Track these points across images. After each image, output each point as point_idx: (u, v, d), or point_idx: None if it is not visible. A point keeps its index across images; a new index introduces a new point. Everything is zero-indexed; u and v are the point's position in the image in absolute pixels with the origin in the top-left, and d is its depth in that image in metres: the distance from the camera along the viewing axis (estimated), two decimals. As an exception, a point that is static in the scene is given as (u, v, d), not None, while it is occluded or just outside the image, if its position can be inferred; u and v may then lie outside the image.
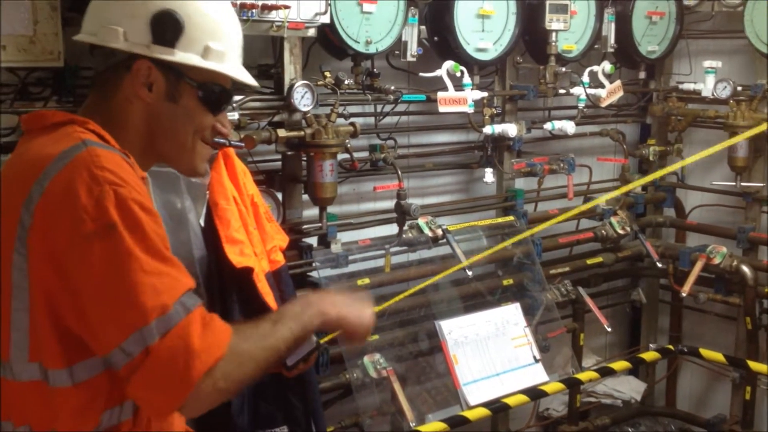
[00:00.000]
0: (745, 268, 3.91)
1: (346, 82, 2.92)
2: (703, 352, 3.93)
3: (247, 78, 1.68)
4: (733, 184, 4.02)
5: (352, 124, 2.95)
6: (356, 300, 1.70)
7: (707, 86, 3.96)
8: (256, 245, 2.45)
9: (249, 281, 2.39)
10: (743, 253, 4.06)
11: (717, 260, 3.93)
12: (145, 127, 1.58)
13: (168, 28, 1.54)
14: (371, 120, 3.25)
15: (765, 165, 4.06)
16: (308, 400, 2.63)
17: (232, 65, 1.63)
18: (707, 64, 3.97)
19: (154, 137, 1.60)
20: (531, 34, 3.57)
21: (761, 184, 4.02)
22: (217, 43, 1.58)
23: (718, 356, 3.88)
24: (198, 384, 1.38)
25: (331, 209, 3.06)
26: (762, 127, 2.39)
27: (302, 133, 2.80)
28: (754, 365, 3.82)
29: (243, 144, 2.41)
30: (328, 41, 2.97)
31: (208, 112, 1.61)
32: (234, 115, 2.55)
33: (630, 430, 4.17)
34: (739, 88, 3.92)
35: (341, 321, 1.65)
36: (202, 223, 2.35)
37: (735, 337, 4.16)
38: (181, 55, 1.55)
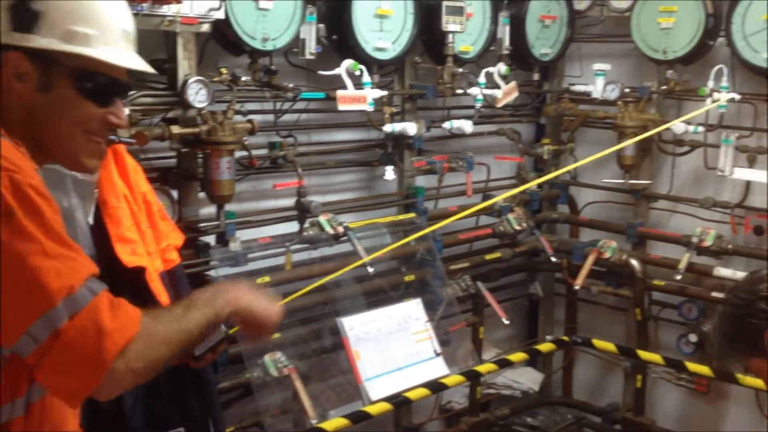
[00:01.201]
0: (634, 262, 4.09)
1: (243, 78, 2.90)
2: (596, 342, 4.09)
3: (130, 62, 1.59)
4: (622, 181, 4.20)
5: (250, 121, 2.94)
6: (263, 294, 1.70)
7: (597, 88, 4.12)
8: (148, 244, 2.40)
9: (142, 281, 2.34)
10: (632, 247, 4.26)
11: (608, 254, 4.10)
12: (26, 120, 1.52)
13: (23, 12, 1.48)
14: (270, 117, 3.24)
15: (651, 163, 4.26)
16: (206, 400, 2.59)
17: (106, 50, 1.54)
18: (597, 66, 4.13)
19: (35, 131, 1.54)
20: (429, 35, 3.63)
21: (648, 182, 4.22)
22: (83, 27, 1.51)
23: (610, 346, 4.05)
24: (112, 365, 1.37)
25: (229, 207, 3.03)
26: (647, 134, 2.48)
27: (197, 129, 2.77)
28: (643, 354, 4.01)
29: (134, 140, 2.37)
30: (223, 37, 2.95)
31: (89, 102, 1.55)
32: (124, 111, 2.49)
33: (528, 419, 4.30)
34: (627, 90, 4.10)
35: (250, 313, 1.64)
36: (91, 222, 2.29)
37: (626, 328, 4.35)
38: (40, 41, 1.49)
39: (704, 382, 4.18)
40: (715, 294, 3.93)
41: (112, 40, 1.57)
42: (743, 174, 3.86)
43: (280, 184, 3.19)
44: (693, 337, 4.03)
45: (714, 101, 3.77)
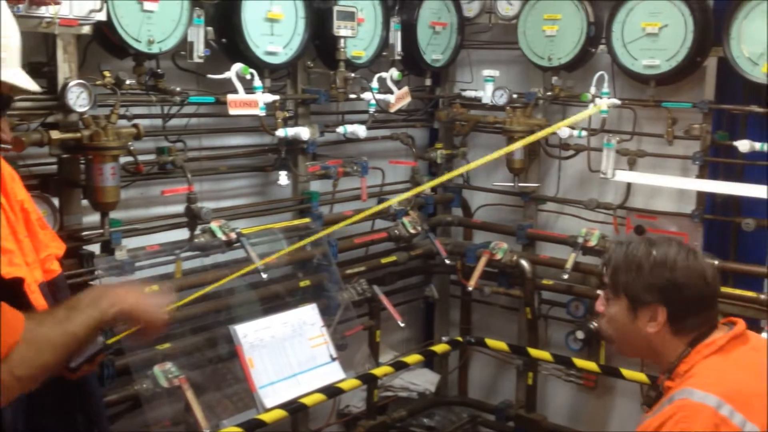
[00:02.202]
0: (524, 262, 4.21)
1: (127, 82, 2.83)
2: (489, 342, 4.19)
3: (30, 84, 1.64)
4: (512, 184, 4.32)
5: (135, 125, 2.86)
6: (151, 293, 1.68)
7: (486, 94, 4.23)
8: (27, 254, 2.30)
9: (20, 292, 2.24)
10: (522, 248, 4.38)
11: (499, 255, 4.21)
12: None
13: None
14: (158, 122, 3.17)
15: (539, 167, 4.40)
16: (91, 414, 2.51)
17: (13, 72, 1.58)
18: (486, 72, 4.24)
19: None
20: (321, 40, 3.63)
21: (536, 185, 4.36)
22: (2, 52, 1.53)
23: (502, 345, 4.15)
24: None
25: (116, 214, 2.95)
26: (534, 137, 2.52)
27: (79, 134, 2.68)
28: (534, 352, 4.13)
29: (10, 146, 2.26)
30: (107, 40, 2.86)
31: None
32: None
33: (425, 420, 4.36)
34: (515, 96, 4.22)
35: (138, 310, 1.61)
36: (-36, 231, 2.17)
37: (518, 327, 4.47)
38: None
39: (592, 378, 4.34)
40: (600, 292, 4.08)
41: (15, 61, 1.62)
42: (624, 176, 4.02)
43: (168, 190, 3.12)
44: (580, 334, 4.16)
45: (595, 106, 3.93)
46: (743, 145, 3.62)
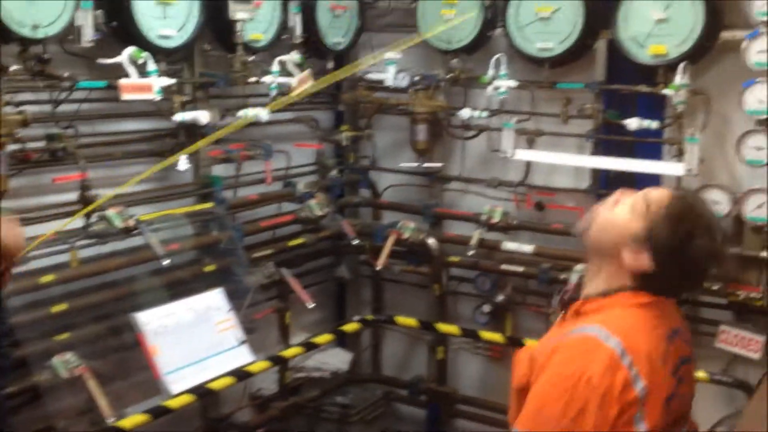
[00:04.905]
0: (431, 240, 4.29)
1: (12, 68, 2.76)
2: (399, 319, 4.28)
3: None
4: (417, 164, 4.39)
5: (22, 112, 2.80)
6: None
7: (389, 76, 4.27)
8: None
9: None
10: (429, 226, 4.45)
11: (406, 234, 4.28)
12: None
13: None
14: (49, 108, 3.10)
15: (443, 147, 4.48)
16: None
17: None
18: (387, 55, 4.26)
19: None
20: (217, 23, 3.59)
21: (440, 164, 4.45)
22: None
23: (412, 322, 4.24)
24: None
25: (6, 204, 2.88)
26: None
27: (-39, 123, 2.61)
28: (443, 327, 4.24)
29: None
30: (-12, 25, 2.78)
31: None
32: None
33: (339, 398, 4.41)
34: (417, 78, 4.28)
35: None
36: None
37: (428, 303, 4.56)
38: None
39: (498, 349, 4.47)
40: (505, 267, 4.21)
41: None
42: (524, 155, 4.13)
43: (60, 177, 3.06)
44: (487, 308, 4.30)
45: (495, 88, 4.02)
46: (632, 123, 3.75)
